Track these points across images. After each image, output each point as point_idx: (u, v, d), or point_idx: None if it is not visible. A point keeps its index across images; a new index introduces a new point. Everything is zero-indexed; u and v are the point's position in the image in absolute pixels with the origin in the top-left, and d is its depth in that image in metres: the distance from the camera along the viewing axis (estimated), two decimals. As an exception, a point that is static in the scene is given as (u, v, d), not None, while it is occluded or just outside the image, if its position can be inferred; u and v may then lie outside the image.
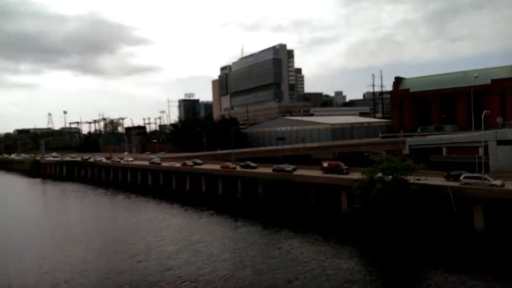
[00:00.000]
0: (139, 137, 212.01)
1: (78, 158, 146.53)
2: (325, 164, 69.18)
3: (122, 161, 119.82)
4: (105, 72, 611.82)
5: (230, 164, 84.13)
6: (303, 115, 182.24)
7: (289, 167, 72.72)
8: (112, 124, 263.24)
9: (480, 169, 52.38)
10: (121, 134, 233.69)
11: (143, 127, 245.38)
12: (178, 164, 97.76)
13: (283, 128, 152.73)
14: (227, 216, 65.75)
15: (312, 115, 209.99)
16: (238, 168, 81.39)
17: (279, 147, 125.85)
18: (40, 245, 53.41)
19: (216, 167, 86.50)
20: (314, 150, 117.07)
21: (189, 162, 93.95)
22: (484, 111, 54.56)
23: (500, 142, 67.19)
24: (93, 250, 49.39)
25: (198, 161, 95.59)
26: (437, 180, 53.71)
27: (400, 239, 45.93)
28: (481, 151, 67.35)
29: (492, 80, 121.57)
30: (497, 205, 44.16)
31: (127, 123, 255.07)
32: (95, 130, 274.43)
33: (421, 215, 47.47)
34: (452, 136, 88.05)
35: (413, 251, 43.02)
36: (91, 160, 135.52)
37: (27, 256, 48.49)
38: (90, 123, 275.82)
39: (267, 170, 76.49)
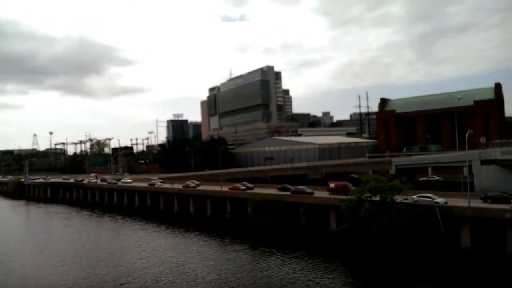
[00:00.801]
0: (125, 157, 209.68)
1: (71, 180, 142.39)
2: (332, 185, 67.08)
3: (119, 183, 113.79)
4: (93, 93, 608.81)
5: (241, 186, 79.20)
6: (291, 135, 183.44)
7: (309, 190, 69.04)
8: (99, 145, 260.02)
9: (466, 188, 53.13)
10: (107, 154, 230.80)
11: (130, 148, 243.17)
12: (172, 186, 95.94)
13: (272, 148, 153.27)
14: (215, 237, 64.78)
15: (300, 135, 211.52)
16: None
17: (267, 167, 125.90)
18: (20, 267, 51.54)
19: (213, 188, 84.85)
20: (302, 170, 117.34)
21: (192, 184, 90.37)
22: (468, 132, 55.83)
23: (484, 162, 68.38)
24: (75, 273, 47.81)
25: (196, 182, 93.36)
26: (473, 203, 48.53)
27: (387, 257, 45.92)
28: (465, 171, 68.45)
29: (475, 101, 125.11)
30: (482, 224, 44.77)
31: (114, 144, 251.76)
32: (81, 151, 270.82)
33: (409, 233, 47.73)
34: (437, 156, 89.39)
35: (401, 268, 42.94)
36: (85, 182, 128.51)
37: (5, 279, 46.65)
38: (76, 144, 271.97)
39: (265, 191, 75.43)
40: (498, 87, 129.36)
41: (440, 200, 50.78)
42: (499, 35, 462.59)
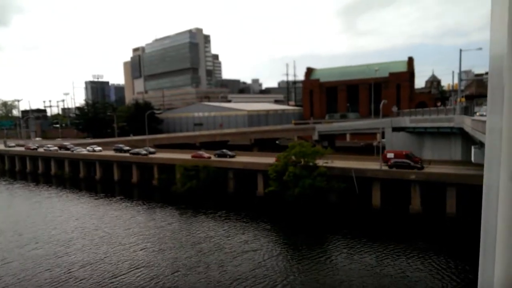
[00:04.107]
0: (38, 121, 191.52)
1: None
2: (391, 155, 53.41)
3: (84, 151, 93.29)
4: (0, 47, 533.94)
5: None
6: (221, 101, 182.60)
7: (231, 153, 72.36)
8: (5, 107, 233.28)
9: (378, 152, 58.58)
10: (16, 118, 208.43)
11: (43, 111, 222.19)
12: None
13: (201, 114, 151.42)
14: (138, 203, 63.31)
15: (229, 101, 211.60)
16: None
17: (196, 133, 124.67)
18: None
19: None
20: (232, 136, 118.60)
21: (207, 155, 73.67)
22: (382, 101, 60.88)
23: (394, 129, 75.69)
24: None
25: (151, 149, 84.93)
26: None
27: (306, 215, 49.65)
28: (378, 137, 75.23)
29: (390, 73, 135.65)
30: (390, 184, 50.23)
31: (24, 106, 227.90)
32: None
33: (328, 194, 51.84)
34: (354, 123, 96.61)
35: (317, 224, 46.90)
36: (41, 150, 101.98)
37: None
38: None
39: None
40: (410, 60, 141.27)
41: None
42: (415, 12, 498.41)
